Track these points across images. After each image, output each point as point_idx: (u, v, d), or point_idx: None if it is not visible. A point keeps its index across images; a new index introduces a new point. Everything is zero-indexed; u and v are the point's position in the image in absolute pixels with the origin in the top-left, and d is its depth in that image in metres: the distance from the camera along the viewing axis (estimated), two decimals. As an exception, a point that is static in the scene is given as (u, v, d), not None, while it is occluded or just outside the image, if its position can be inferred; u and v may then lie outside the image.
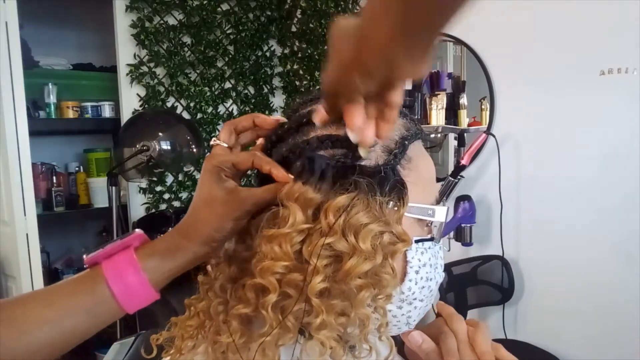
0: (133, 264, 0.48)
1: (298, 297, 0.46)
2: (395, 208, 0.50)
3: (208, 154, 0.53)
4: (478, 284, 1.96)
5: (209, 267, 0.55)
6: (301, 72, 2.73)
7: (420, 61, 0.39)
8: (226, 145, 0.53)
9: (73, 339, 0.48)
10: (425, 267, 0.54)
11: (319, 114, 0.48)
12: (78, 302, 0.48)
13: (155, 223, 2.43)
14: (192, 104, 2.61)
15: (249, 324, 0.50)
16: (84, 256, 0.51)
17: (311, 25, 2.63)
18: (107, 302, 0.48)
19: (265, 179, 0.51)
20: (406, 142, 0.52)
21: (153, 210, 2.56)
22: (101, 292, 0.48)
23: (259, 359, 0.47)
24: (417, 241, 0.53)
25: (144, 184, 2.53)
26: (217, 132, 2.68)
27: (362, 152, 0.48)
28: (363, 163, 0.49)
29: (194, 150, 2.36)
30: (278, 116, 0.56)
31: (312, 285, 0.45)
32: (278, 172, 0.49)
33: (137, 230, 0.52)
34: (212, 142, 0.53)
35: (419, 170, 0.54)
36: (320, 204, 0.47)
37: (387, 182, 0.49)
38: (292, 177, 0.48)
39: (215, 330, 0.52)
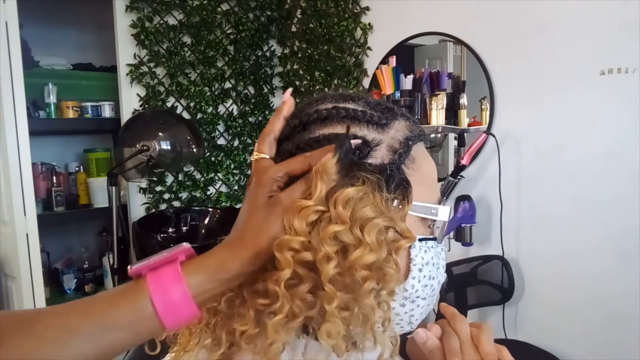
0: (178, 280, 0.46)
1: (308, 278, 0.47)
2: (400, 206, 0.51)
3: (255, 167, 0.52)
4: (478, 284, 1.97)
5: None
6: (301, 72, 2.73)
7: None
8: (268, 156, 0.52)
9: (109, 354, 0.46)
10: (429, 266, 0.55)
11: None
12: (118, 316, 0.46)
13: (155, 223, 2.43)
14: (192, 104, 2.62)
15: (260, 318, 0.50)
16: (128, 267, 0.48)
17: (311, 25, 2.63)
18: (148, 319, 0.46)
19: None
20: (410, 143, 0.54)
21: (153, 210, 2.56)
22: (144, 307, 0.46)
23: (270, 338, 0.47)
24: (420, 240, 0.54)
25: (144, 184, 2.53)
26: (217, 132, 2.69)
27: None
28: (370, 161, 0.51)
29: (194, 150, 2.36)
30: (288, 91, 0.56)
31: (325, 271, 0.46)
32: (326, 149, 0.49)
33: (184, 244, 0.50)
34: (254, 157, 0.52)
35: (423, 171, 0.55)
36: (329, 192, 0.48)
37: (392, 180, 0.51)
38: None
39: (226, 322, 0.52)
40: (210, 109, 2.67)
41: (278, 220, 0.48)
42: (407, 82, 2.17)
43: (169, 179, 2.62)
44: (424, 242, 0.55)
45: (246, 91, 2.80)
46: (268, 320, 0.49)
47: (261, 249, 0.48)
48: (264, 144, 0.53)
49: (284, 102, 0.55)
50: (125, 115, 2.45)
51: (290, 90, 0.56)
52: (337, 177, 0.48)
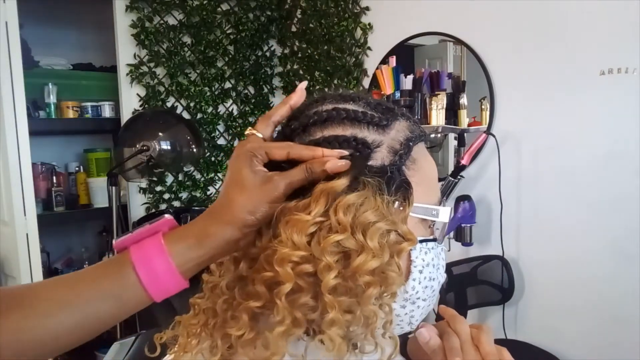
0: (161, 250, 0.48)
1: (309, 288, 0.47)
2: (401, 208, 0.51)
3: (242, 140, 0.53)
4: (478, 284, 1.96)
5: (212, 266, 0.55)
6: (301, 72, 2.73)
7: None
8: (261, 136, 0.53)
9: (98, 325, 0.47)
10: (429, 267, 0.55)
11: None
12: (103, 286, 0.47)
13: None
14: (192, 104, 2.61)
15: (255, 320, 0.50)
16: (113, 240, 0.50)
17: (311, 25, 2.63)
18: (133, 288, 0.47)
19: (275, 167, 0.51)
20: (410, 144, 0.53)
21: (153, 210, 2.56)
22: (127, 277, 0.47)
23: (272, 350, 0.47)
24: (420, 241, 0.54)
25: (144, 184, 2.53)
26: (217, 132, 2.69)
27: None
28: (371, 163, 0.51)
29: (194, 150, 2.36)
30: (302, 84, 0.56)
31: (325, 281, 0.46)
32: (323, 152, 0.49)
33: (166, 215, 0.51)
34: (247, 132, 0.53)
35: (423, 171, 0.55)
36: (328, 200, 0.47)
37: (393, 182, 0.51)
38: (346, 152, 0.49)
39: (222, 325, 0.52)
40: (210, 109, 2.67)
41: (268, 195, 0.48)
42: (407, 82, 2.17)
43: (169, 179, 2.62)
44: (424, 243, 0.55)
45: (246, 91, 2.80)
46: (265, 326, 0.49)
47: (240, 220, 0.48)
48: (261, 122, 0.53)
49: (295, 92, 0.55)
50: (125, 115, 2.45)
51: (305, 83, 0.56)
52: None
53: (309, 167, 0.49)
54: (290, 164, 0.50)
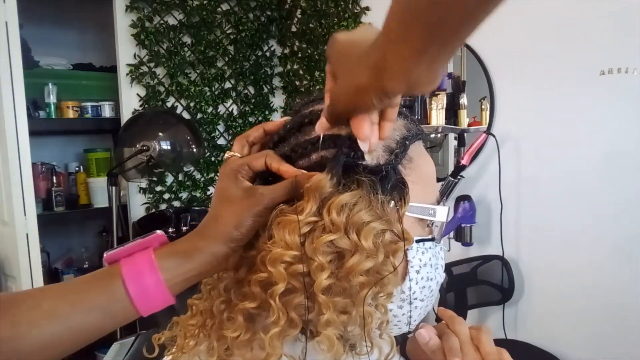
0: (151, 265, 0.48)
1: (303, 289, 0.47)
2: (397, 207, 0.50)
3: (224, 162, 0.54)
4: (478, 284, 1.97)
5: None
6: (301, 72, 2.73)
7: (438, 76, 0.40)
8: (239, 156, 0.54)
9: (84, 337, 0.47)
10: (426, 267, 0.54)
11: (322, 125, 0.49)
12: (92, 298, 0.47)
13: (155, 223, 2.43)
14: (192, 104, 2.62)
15: (252, 321, 0.50)
16: (105, 253, 0.50)
17: (311, 25, 2.63)
18: (121, 301, 0.47)
19: (267, 180, 0.51)
20: (407, 142, 0.53)
21: (153, 210, 2.56)
22: (117, 290, 0.47)
23: (267, 351, 0.47)
24: (417, 241, 0.54)
25: (144, 184, 2.53)
26: (217, 132, 2.69)
27: (367, 157, 0.49)
28: (365, 162, 0.50)
29: (194, 150, 2.36)
30: (286, 118, 0.56)
31: (318, 282, 0.46)
32: (287, 168, 0.50)
33: (158, 231, 0.51)
34: (226, 155, 0.54)
35: (420, 170, 0.54)
36: (322, 201, 0.47)
37: (388, 181, 0.50)
38: (304, 172, 0.50)
39: (219, 327, 0.52)
40: (210, 109, 2.67)
41: (252, 209, 0.49)
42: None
43: (169, 179, 2.62)
44: (421, 243, 0.54)
45: (246, 91, 2.80)
46: (260, 326, 0.48)
47: (226, 235, 0.49)
48: (237, 143, 0.55)
49: (275, 121, 0.56)
50: (125, 115, 2.45)
51: (288, 118, 0.56)
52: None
53: (293, 183, 0.49)
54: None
